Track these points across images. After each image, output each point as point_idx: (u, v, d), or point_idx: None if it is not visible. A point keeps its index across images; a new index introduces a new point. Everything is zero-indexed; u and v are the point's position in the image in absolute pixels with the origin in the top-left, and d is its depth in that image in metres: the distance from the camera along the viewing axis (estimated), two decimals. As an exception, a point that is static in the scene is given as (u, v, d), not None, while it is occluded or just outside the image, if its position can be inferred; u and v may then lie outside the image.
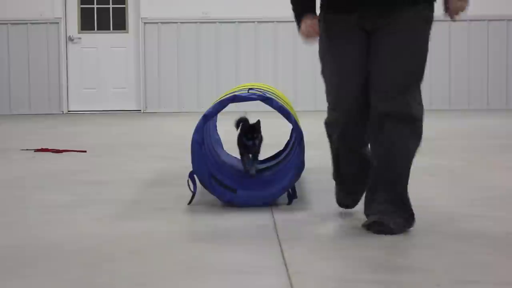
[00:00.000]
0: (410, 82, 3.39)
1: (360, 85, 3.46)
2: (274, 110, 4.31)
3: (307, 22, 3.54)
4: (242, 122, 4.75)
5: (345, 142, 3.63)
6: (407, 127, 3.37)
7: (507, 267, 3.00)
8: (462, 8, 3.34)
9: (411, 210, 3.51)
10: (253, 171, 4.74)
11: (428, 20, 3.39)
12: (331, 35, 3.52)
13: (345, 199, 3.89)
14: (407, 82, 3.37)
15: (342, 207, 3.95)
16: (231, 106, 4.51)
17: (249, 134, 4.68)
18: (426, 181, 5.04)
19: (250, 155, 4.77)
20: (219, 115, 4.74)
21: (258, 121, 4.72)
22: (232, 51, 11.85)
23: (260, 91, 4.55)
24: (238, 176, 4.72)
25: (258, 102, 4.40)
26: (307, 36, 3.57)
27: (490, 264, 3.03)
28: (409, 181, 3.55)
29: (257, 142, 4.70)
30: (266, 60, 11.79)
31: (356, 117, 3.52)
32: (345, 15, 3.46)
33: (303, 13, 3.55)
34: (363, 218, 3.89)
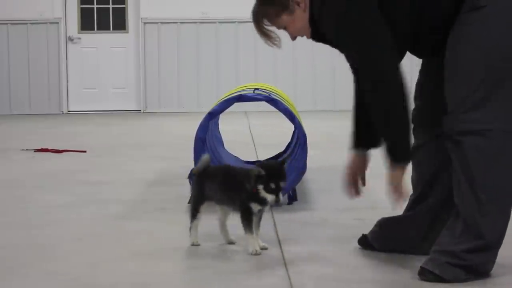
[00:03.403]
0: None
1: None
2: (276, 110, 4.31)
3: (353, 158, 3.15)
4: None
5: None
6: None
7: None
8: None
9: None
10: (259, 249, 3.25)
11: None
12: None
13: None
14: None
15: None
16: (233, 106, 4.50)
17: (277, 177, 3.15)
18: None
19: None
20: (220, 114, 4.73)
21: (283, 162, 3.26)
22: (232, 51, 11.84)
23: (265, 92, 4.56)
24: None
25: (260, 102, 4.40)
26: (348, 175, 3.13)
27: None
28: None
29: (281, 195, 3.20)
30: (266, 60, 11.78)
31: None
32: None
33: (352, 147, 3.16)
34: (362, 218, 3.89)
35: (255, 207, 3.19)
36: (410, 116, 2.84)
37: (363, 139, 3.13)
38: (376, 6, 2.81)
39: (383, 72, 2.79)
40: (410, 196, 3.16)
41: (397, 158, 2.82)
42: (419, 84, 3.14)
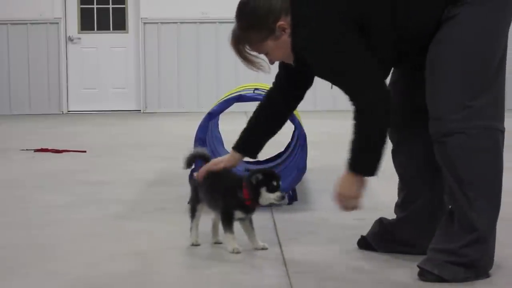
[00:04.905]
0: None
1: None
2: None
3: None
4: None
5: None
6: None
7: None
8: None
9: None
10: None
11: None
12: None
13: None
14: None
15: None
16: (233, 106, 4.51)
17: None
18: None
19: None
20: (220, 115, 4.73)
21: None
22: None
23: (265, 92, 4.56)
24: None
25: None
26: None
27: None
28: None
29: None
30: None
31: None
32: None
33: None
34: (362, 218, 3.89)
35: (238, 214, 3.23)
36: (386, 140, 2.87)
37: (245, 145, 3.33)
38: (359, 38, 2.81)
39: (366, 104, 2.82)
40: (398, 198, 3.21)
41: (353, 166, 2.86)
42: (392, 83, 3.16)
